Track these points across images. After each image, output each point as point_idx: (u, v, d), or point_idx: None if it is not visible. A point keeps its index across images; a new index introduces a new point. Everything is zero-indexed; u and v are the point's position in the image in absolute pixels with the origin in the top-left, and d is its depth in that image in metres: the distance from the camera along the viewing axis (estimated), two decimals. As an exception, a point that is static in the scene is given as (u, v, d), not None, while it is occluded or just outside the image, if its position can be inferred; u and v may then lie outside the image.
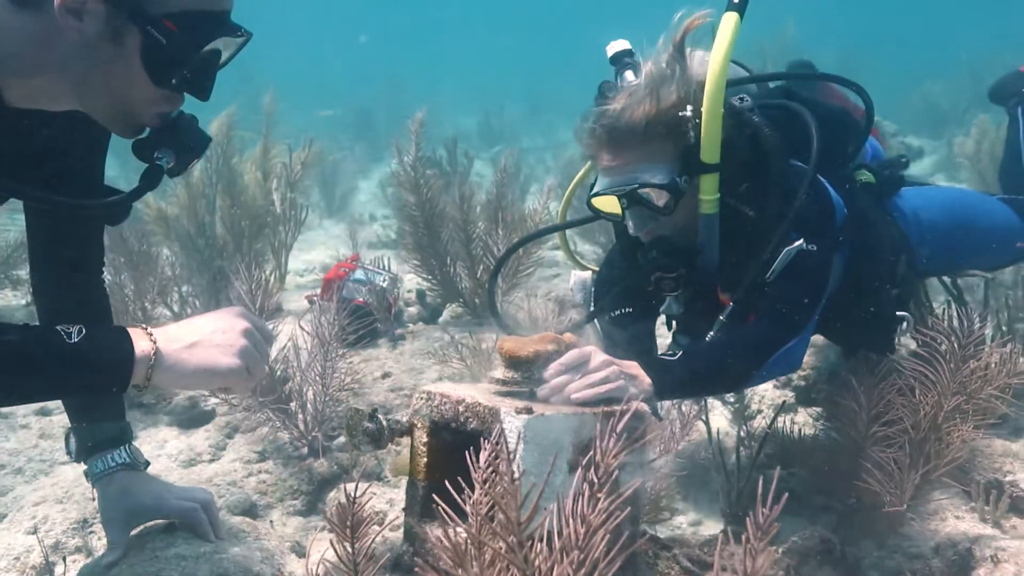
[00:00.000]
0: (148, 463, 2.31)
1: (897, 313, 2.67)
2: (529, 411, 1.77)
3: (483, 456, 1.45)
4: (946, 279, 3.41)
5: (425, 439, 1.98)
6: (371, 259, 4.71)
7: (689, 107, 2.26)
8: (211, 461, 3.27)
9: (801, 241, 2.32)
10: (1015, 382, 2.34)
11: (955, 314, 2.92)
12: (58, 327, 1.55)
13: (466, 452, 1.89)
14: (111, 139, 2.01)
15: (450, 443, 1.96)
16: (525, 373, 1.96)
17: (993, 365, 2.36)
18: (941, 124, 12.69)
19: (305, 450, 3.15)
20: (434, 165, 7.42)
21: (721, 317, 2.42)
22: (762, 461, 2.98)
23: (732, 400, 3.44)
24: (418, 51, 46.30)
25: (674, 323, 2.80)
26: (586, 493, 1.34)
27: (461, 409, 1.90)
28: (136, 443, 3.42)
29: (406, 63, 35.05)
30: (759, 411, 3.50)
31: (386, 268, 4.40)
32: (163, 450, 3.38)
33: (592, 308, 2.84)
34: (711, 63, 2.22)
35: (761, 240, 2.36)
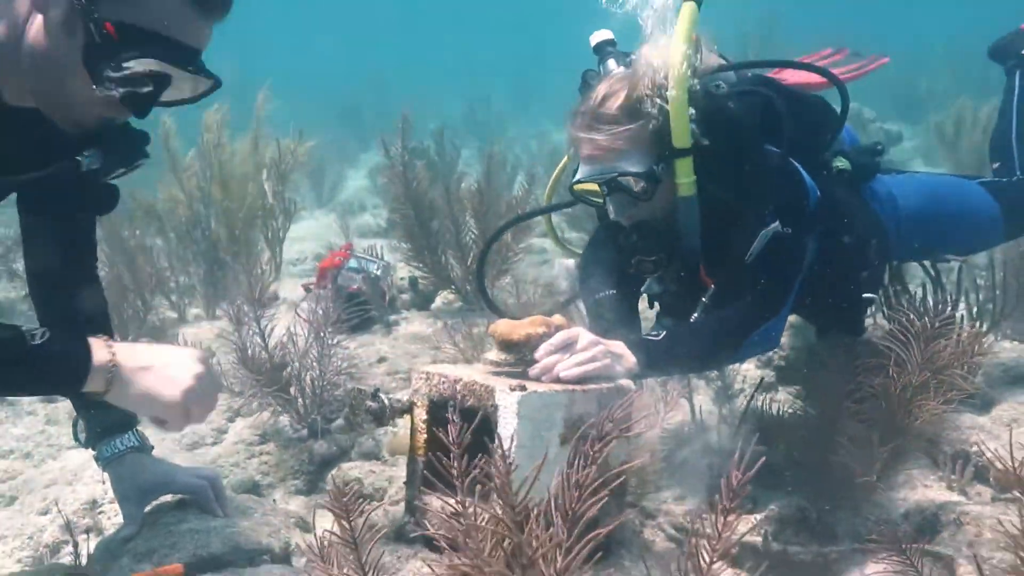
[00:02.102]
0: (153, 447, 2.41)
1: (864, 295, 2.79)
2: (523, 388, 1.89)
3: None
4: (925, 263, 3.49)
5: (424, 416, 2.10)
6: (363, 248, 4.82)
7: (660, 96, 2.36)
8: (213, 444, 3.38)
9: (777, 224, 2.42)
10: (980, 360, 2.48)
11: (927, 295, 3.08)
12: (24, 328, 1.68)
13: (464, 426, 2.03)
14: None
15: (447, 419, 2.09)
16: (517, 355, 2.08)
17: (959, 344, 2.49)
18: (919, 109, 12.83)
19: (305, 432, 3.26)
20: (422, 155, 7.53)
21: (704, 299, 2.55)
22: (744, 436, 3.12)
23: (715, 378, 3.57)
24: (406, 38, 46.07)
25: (656, 304, 2.91)
26: (578, 463, 1.46)
27: (459, 388, 2.02)
28: (140, 426, 3.56)
29: (394, 52, 34.95)
30: (741, 389, 3.63)
31: (379, 256, 4.50)
32: (166, 434, 3.48)
33: (578, 290, 2.96)
34: (671, 51, 2.33)
35: (738, 222, 2.47)
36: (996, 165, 3.69)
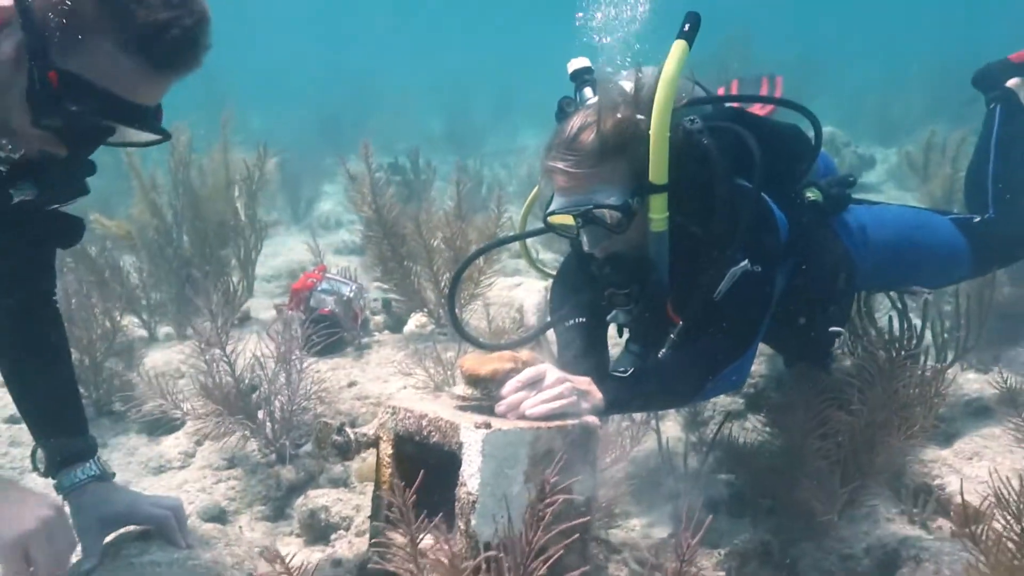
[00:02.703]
0: (115, 474, 2.39)
1: (831, 329, 2.82)
2: (487, 426, 1.90)
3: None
4: (892, 294, 3.48)
5: (390, 451, 2.11)
6: (337, 267, 4.81)
7: (638, 130, 2.38)
8: (180, 468, 3.36)
9: (746, 262, 2.42)
10: (940, 401, 2.52)
11: (892, 331, 3.12)
12: None
13: (425, 463, 2.04)
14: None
15: (413, 455, 2.10)
16: (484, 390, 2.10)
17: (921, 383, 2.53)
18: (893, 133, 13.00)
19: (273, 457, 3.24)
20: (399, 173, 7.53)
21: (672, 335, 2.56)
22: (712, 466, 3.15)
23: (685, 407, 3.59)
24: (387, 47, 46.02)
25: (625, 331, 2.93)
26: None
27: (424, 423, 2.03)
28: (106, 451, 3.53)
29: (374, 61, 34.89)
30: (711, 416, 3.66)
31: (352, 278, 4.50)
32: (133, 457, 3.46)
33: (548, 319, 2.97)
34: (658, 90, 2.33)
35: (708, 259, 2.49)
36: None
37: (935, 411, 2.59)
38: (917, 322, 3.33)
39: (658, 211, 2.42)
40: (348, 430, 2.08)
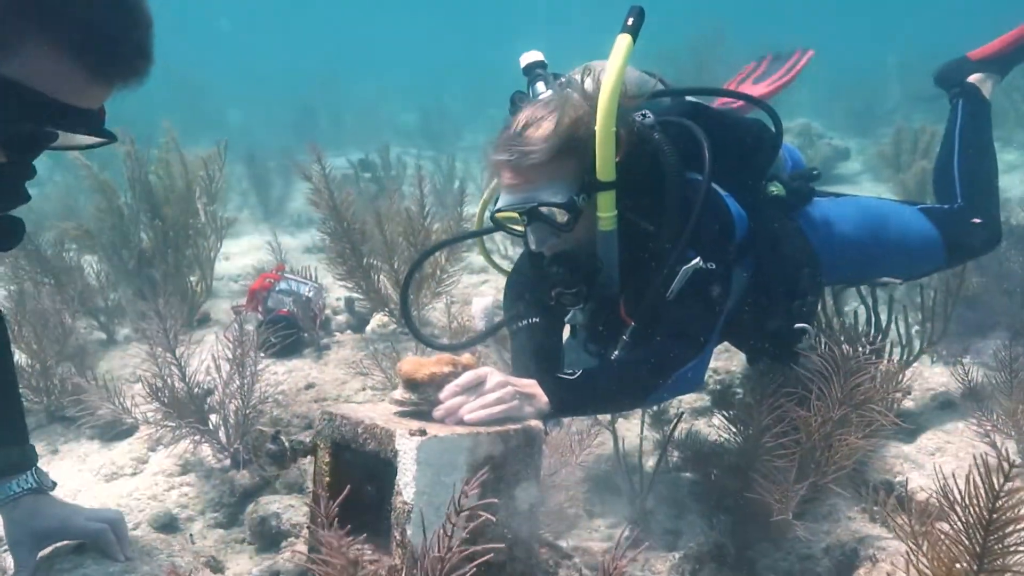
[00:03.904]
0: (55, 485, 2.31)
1: (796, 326, 2.77)
2: (423, 433, 1.83)
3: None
4: (862, 288, 3.44)
5: (327, 459, 2.04)
6: (303, 266, 4.73)
7: (587, 126, 2.31)
8: (133, 475, 3.28)
9: (698, 260, 2.36)
10: (899, 396, 2.47)
11: (857, 324, 3.08)
12: None
13: (364, 471, 1.98)
14: None
15: (351, 462, 2.03)
16: (422, 395, 2.03)
17: (881, 379, 2.48)
18: (868, 124, 13.00)
19: (228, 462, 3.17)
20: (369, 169, 7.45)
21: (624, 336, 2.49)
22: (676, 464, 3.10)
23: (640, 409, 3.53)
24: (360, 41, 45.78)
25: (580, 330, 2.87)
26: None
27: (360, 431, 1.96)
28: (57, 458, 3.45)
29: (347, 55, 34.71)
30: (681, 413, 3.61)
31: (312, 278, 4.42)
32: (85, 464, 3.38)
33: (499, 319, 2.89)
34: (603, 86, 2.27)
35: (659, 257, 2.43)
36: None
37: (895, 407, 2.54)
38: (884, 317, 3.30)
39: (606, 209, 2.36)
40: (283, 438, 2.02)
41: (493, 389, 2.03)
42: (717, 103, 3.29)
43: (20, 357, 3.72)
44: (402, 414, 2.04)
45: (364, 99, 16.98)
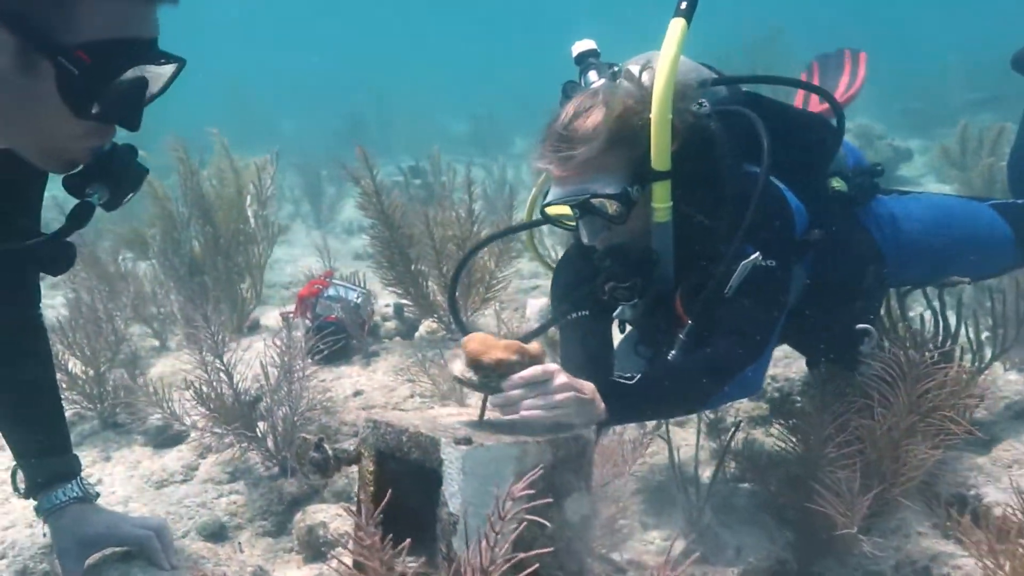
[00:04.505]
0: (98, 494, 2.32)
1: (858, 327, 2.64)
2: (468, 441, 1.77)
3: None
4: (928, 290, 3.28)
5: (372, 468, 1.98)
6: (351, 272, 4.72)
7: (640, 114, 2.24)
8: (183, 482, 3.27)
9: (757, 255, 2.27)
10: (971, 402, 2.33)
11: (924, 328, 2.93)
12: None
13: (409, 481, 1.92)
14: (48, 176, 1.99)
15: (396, 471, 1.97)
16: (484, 377, 1.94)
17: (951, 385, 2.35)
18: (929, 124, 12.63)
19: (276, 470, 3.15)
20: (419, 175, 7.45)
21: (680, 336, 2.40)
22: (733, 475, 2.98)
23: (708, 414, 3.43)
24: (412, 49, 46.09)
25: (628, 326, 2.77)
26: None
27: (404, 439, 1.90)
28: (109, 465, 3.47)
29: (400, 63, 34.97)
30: (739, 422, 3.49)
31: (360, 284, 4.40)
32: (136, 471, 3.39)
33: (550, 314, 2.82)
34: (657, 71, 2.20)
35: (716, 252, 2.33)
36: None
37: (968, 415, 2.40)
38: (953, 320, 3.14)
39: (661, 200, 2.28)
40: (326, 446, 1.96)
41: (555, 391, 1.95)
42: None
43: (74, 364, 3.76)
44: (461, 382, 1.97)
45: (414, 108, 17.04)
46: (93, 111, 1.56)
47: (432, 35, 54.57)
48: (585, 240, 2.40)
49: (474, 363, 1.94)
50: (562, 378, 1.98)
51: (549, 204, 2.39)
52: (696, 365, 2.30)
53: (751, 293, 2.29)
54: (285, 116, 18.30)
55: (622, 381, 2.19)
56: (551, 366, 2.00)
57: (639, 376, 2.21)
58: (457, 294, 3.25)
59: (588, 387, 2.07)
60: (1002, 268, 3.29)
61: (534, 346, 2.03)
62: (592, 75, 2.56)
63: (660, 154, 2.22)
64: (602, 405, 2.07)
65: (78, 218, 1.71)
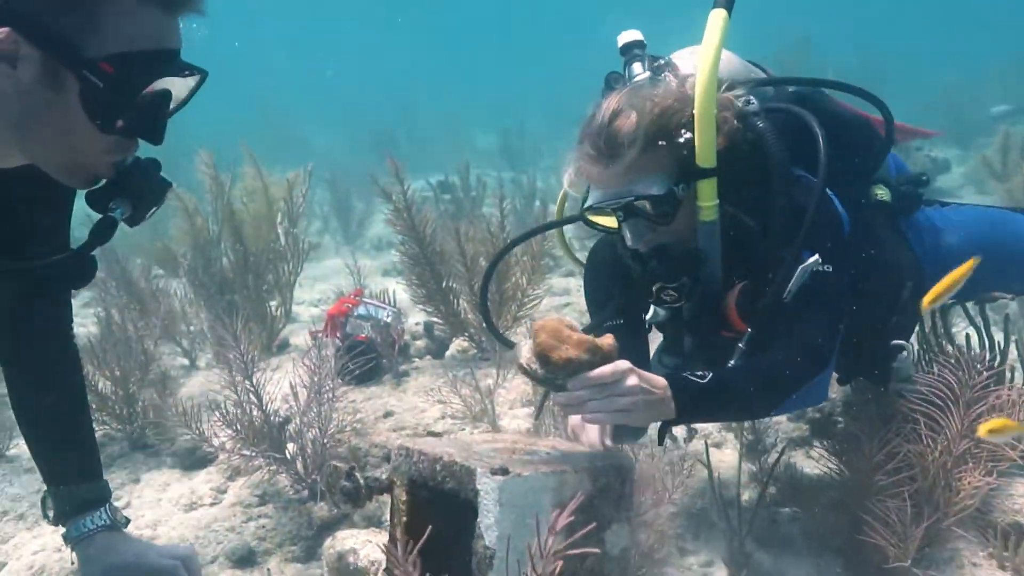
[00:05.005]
0: (128, 521, 2.27)
1: (893, 343, 2.54)
2: (504, 471, 1.70)
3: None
4: (969, 306, 3.16)
5: (404, 497, 1.92)
6: (381, 290, 4.68)
7: (680, 112, 2.15)
8: (212, 505, 3.24)
9: (816, 257, 2.16)
10: (1025, 425, 2.21)
11: (970, 346, 2.82)
12: None
13: (443, 511, 1.85)
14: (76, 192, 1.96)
15: (428, 500, 1.91)
16: (550, 372, 1.85)
17: (1003, 408, 2.24)
18: (968, 135, 12.40)
19: (306, 493, 3.10)
20: (448, 190, 7.41)
21: (740, 344, 2.27)
22: (773, 498, 2.88)
23: (746, 431, 3.33)
24: (439, 65, 46.30)
25: (664, 330, 2.68)
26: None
27: (438, 468, 1.84)
28: (138, 487, 3.44)
29: (424, 79, 35.14)
30: (774, 444, 3.38)
31: (391, 302, 4.36)
32: (165, 494, 3.36)
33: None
34: (700, 64, 2.11)
35: (766, 255, 2.23)
36: None
37: (1022, 441, 2.29)
38: (1000, 337, 3.02)
39: (707, 198, 2.17)
40: (357, 475, 1.90)
41: (625, 393, 1.86)
42: None
43: (104, 384, 3.74)
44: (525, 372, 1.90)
45: (443, 122, 17.07)
46: (117, 125, 1.53)
47: (461, 49, 54.85)
48: (629, 243, 2.29)
49: (543, 358, 1.85)
50: (633, 379, 1.89)
51: (591, 209, 2.31)
52: (767, 374, 2.17)
53: (812, 300, 2.18)
54: (315, 131, 18.38)
55: (695, 379, 2.06)
56: (622, 365, 1.89)
57: (711, 375, 2.08)
58: (489, 302, 3.18)
59: (660, 384, 1.97)
60: None
61: (607, 340, 1.91)
62: (636, 67, 2.45)
63: (705, 150, 2.12)
64: (671, 405, 1.97)
65: (101, 234, 1.67)
